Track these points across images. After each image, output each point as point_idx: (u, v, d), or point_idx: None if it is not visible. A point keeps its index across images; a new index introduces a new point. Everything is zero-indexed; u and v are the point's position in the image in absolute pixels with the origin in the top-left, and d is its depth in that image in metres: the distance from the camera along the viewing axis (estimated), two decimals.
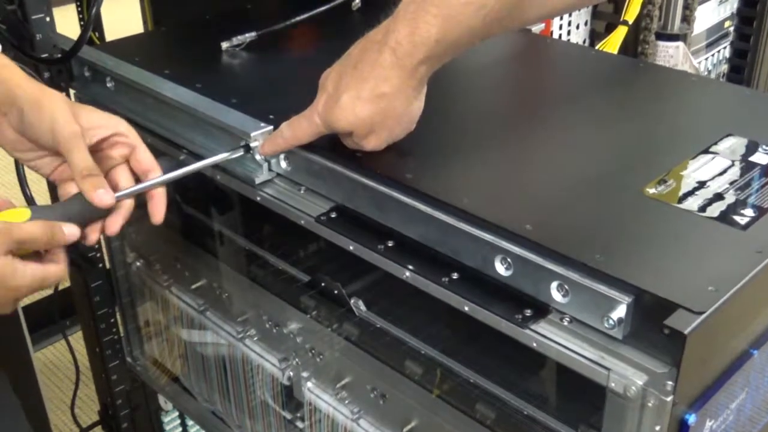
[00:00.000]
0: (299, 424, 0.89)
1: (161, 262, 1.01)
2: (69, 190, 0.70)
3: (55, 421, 1.55)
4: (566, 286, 0.57)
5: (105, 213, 0.69)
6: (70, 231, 0.66)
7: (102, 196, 0.67)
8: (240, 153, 0.75)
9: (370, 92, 0.66)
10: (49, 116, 0.67)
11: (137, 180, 0.73)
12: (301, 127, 0.71)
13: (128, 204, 0.71)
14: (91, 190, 0.67)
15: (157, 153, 0.88)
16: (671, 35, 1.32)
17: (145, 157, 0.72)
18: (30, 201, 0.97)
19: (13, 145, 0.71)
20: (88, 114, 0.70)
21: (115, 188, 0.70)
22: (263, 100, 0.82)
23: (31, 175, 0.99)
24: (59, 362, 1.77)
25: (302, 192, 0.75)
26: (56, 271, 0.65)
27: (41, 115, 0.67)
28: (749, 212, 0.62)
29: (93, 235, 0.70)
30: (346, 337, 0.78)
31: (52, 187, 1.05)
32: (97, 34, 1.28)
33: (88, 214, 0.68)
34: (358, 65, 0.67)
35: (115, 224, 0.70)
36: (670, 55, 1.32)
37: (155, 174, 0.72)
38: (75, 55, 0.90)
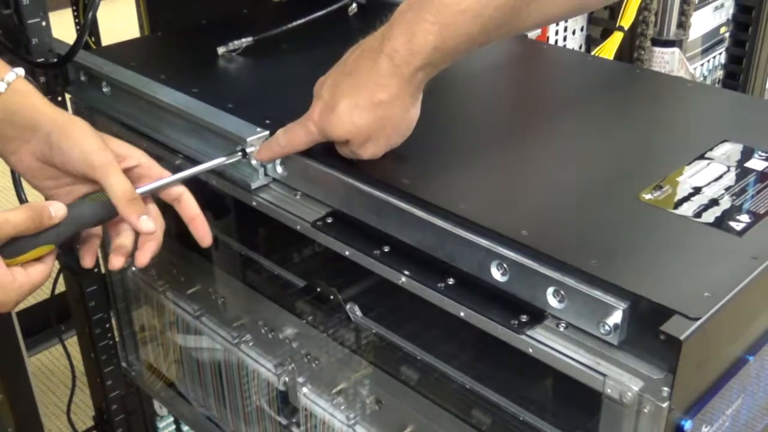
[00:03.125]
0: (295, 430, 0.89)
1: (156, 267, 1.01)
2: None
3: (49, 425, 1.54)
4: (562, 292, 0.57)
5: (113, 215, 0.68)
6: (57, 211, 0.63)
7: (146, 223, 0.67)
8: (238, 157, 0.75)
9: (367, 100, 0.66)
10: (79, 142, 0.66)
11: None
12: (296, 135, 0.71)
13: (159, 235, 0.70)
14: (135, 216, 0.67)
15: (152, 157, 0.88)
16: (667, 41, 1.33)
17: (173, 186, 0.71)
18: None
19: (32, 172, 0.70)
20: (115, 142, 0.69)
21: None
22: (259, 104, 0.82)
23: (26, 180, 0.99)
24: (54, 367, 1.77)
25: (298, 197, 0.75)
26: (42, 270, 0.64)
27: (70, 141, 0.66)
28: (745, 218, 0.62)
29: (117, 260, 0.69)
30: (342, 343, 0.78)
31: None
32: (93, 38, 1.28)
33: (93, 220, 0.68)
34: (354, 73, 0.67)
35: (144, 256, 0.69)
36: (666, 61, 1.32)
37: (186, 196, 0.71)
38: (71, 59, 0.90)
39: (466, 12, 0.62)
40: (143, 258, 0.69)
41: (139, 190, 0.68)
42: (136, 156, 0.70)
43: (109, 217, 0.68)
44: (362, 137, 0.68)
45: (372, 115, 0.67)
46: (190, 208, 0.71)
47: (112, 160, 0.66)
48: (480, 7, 0.62)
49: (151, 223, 0.68)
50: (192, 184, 0.75)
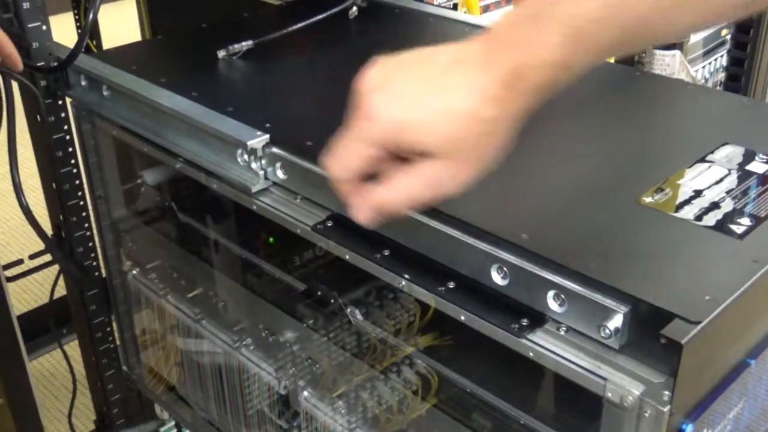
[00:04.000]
0: None
1: (157, 271, 1.01)
2: None
3: (51, 430, 1.55)
4: (563, 296, 0.57)
5: None
6: None
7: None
8: None
9: (466, 111, 0.52)
10: None
11: None
12: (352, 155, 0.54)
13: None
14: None
15: (152, 161, 0.88)
16: (667, 44, 1.33)
17: None
18: (26, 210, 0.97)
19: None
20: None
21: None
22: (260, 108, 0.82)
23: (26, 184, 0.99)
24: (56, 371, 1.77)
25: (298, 201, 0.75)
26: None
27: None
28: (746, 221, 0.62)
29: None
30: (343, 346, 0.78)
31: (48, 196, 1.05)
32: (94, 42, 1.29)
33: None
34: (445, 85, 0.52)
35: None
36: (667, 63, 1.32)
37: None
38: (71, 63, 0.90)
39: (599, 22, 0.50)
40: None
41: None
42: None
43: None
44: (453, 150, 0.53)
45: (471, 128, 0.53)
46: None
47: None
48: (614, 16, 0.49)
49: None
50: (192, 187, 0.75)
